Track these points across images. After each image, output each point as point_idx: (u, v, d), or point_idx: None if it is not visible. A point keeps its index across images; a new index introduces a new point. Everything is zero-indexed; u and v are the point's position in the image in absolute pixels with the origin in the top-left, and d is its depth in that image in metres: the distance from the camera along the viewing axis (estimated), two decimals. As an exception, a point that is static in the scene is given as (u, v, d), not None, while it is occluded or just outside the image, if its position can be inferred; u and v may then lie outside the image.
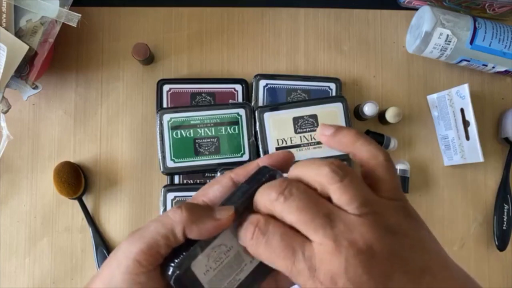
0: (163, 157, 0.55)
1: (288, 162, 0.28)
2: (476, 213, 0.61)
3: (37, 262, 0.58)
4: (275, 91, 0.59)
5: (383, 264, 0.22)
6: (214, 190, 0.28)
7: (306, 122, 0.56)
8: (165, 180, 0.58)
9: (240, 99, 0.59)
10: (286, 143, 0.56)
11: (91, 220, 0.58)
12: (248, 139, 0.56)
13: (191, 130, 0.55)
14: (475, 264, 0.60)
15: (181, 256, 0.25)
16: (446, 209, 0.61)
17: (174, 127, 0.55)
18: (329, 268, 0.22)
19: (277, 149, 0.56)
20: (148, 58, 0.57)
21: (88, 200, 0.59)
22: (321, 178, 0.24)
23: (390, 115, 0.58)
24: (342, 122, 0.56)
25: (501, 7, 0.58)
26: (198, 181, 0.58)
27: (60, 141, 0.59)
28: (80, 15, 0.51)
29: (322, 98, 0.57)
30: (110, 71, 0.60)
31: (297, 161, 0.27)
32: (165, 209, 0.55)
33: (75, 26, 0.51)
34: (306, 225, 0.23)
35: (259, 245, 0.24)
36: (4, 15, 0.50)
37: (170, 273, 0.25)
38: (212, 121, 0.55)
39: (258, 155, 0.56)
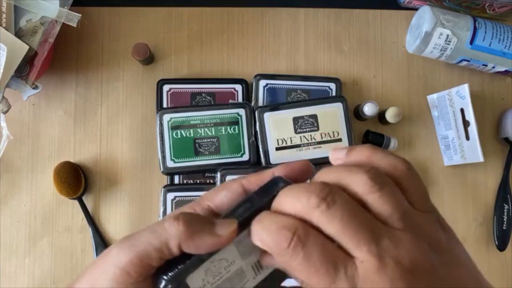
0: (163, 157, 0.55)
1: (306, 173, 0.26)
2: (476, 213, 0.61)
3: (37, 262, 0.58)
4: (275, 91, 0.59)
5: (424, 283, 0.21)
6: (221, 196, 0.26)
7: (306, 122, 0.56)
8: (165, 180, 0.58)
9: (240, 99, 0.59)
10: (286, 143, 0.56)
11: (91, 220, 0.58)
12: (248, 139, 0.56)
13: (191, 130, 0.55)
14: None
15: (176, 269, 0.23)
16: (446, 209, 0.60)
17: (174, 127, 0.55)
18: None
19: (277, 149, 0.56)
20: (148, 58, 0.57)
21: (88, 200, 0.59)
22: (358, 186, 0.22)
23: (390, 115, 0.58)
24: (342, 122, 0.56)
25: (501, 7, 0.58)
26: (198, 181, 0.58)
27: (60, 141, 0.59)
28: (80, 15, 0.51)
29: (322, 98, 0.57)
30: (110, 71, 0.60)
31: (323, 167, 0.25)
32: (165, 209, 0.55)
33: (75, 26, 0.51)
34: (349, 239, 0.21)
35: (296, 256, 0.21)
36: (4, 15, 0.50)
37: (162, 286, 0.23)
38: (212, 121, 0.55)
39: (258, 155, 0.56)
